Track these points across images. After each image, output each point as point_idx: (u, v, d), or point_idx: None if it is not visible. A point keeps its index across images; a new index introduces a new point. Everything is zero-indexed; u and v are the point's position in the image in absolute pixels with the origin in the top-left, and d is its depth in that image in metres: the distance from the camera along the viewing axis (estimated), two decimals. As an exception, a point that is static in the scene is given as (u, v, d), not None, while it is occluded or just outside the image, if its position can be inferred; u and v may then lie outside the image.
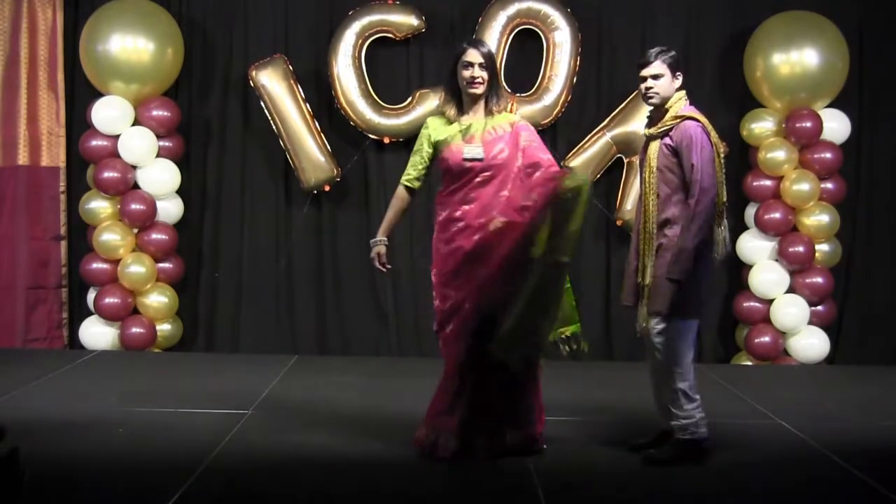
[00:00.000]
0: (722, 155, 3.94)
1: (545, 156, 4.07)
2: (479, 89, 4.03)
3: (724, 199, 3.93)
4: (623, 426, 4.49)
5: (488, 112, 4.07)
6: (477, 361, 3.91)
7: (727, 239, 3.97)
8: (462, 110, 4.10)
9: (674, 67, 3.97)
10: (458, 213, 4.00)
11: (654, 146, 3.99)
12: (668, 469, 3.92)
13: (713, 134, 3.92)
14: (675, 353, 3.93)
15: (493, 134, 4.03)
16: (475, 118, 4.08)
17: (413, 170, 4.16)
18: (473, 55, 4.02)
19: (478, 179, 4.00)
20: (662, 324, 3.93)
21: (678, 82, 4.00)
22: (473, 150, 4.00)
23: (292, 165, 6.47)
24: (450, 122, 4.10)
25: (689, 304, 3.90)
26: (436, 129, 4.11)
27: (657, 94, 3.98)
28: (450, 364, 4.02)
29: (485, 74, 4.02)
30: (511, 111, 4.20)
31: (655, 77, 3.97)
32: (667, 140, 3.94)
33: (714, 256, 3.96)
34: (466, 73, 4.02)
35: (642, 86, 4.01)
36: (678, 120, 3.92)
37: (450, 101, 4.11)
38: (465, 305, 3.93)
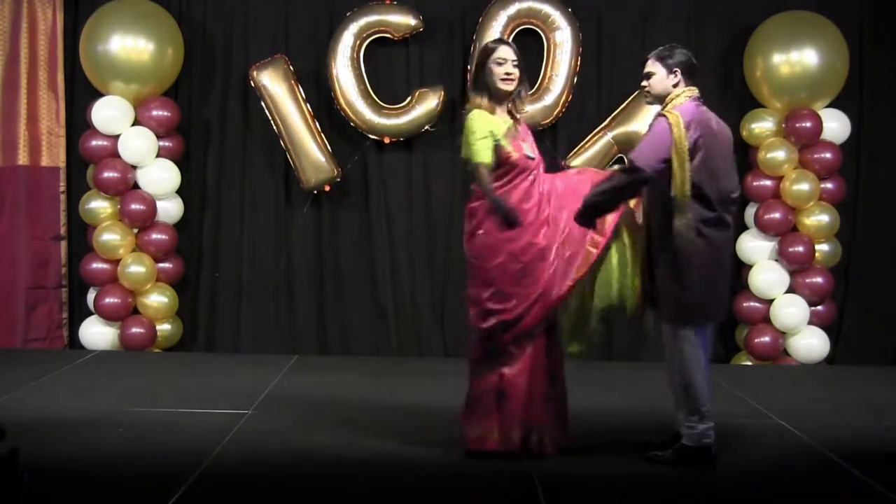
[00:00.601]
0: (687, 156, 3.76)
1: None
2: (513, 86, 4.02)
3: (687, 193, 3.77)
4: (623, 426, 4.49)
5: (510, 111, 4.07)
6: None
7: (691, 231, 3.78)
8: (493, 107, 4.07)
9: (670, 65, 3.92)
10: (519, 210, 3.96)
11: None
12: (668, 469, 3.92)
13: (676, 129, 3.76)
14: (679, 361, 3.90)
15: (527, 133, 4.07)
16: (504, 116, 4.06)
17: (492, 155, 3.94)
18: (507, 52, 4.02)
19: (531, 177, 4.00)
20: (668, 330, 3.92)
21: (674, 79, 3.93)
22: (527, 147, 4.02)
23: (292, 165, 6.47)
24: (491, 114, 4.03)
25: (686, 311, 3.87)
26: (492, 123, 3.98)
27: (649, 92, 4.00)
28: (526, 361, 3.97)
29: (517, 72, 4.03)
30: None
31: (648, 76, 3.98)
32: None
33: (718, 260, 3.89)
34: (501, 70, 3.99)
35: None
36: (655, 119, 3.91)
37: (483, 97, 4.03)
38: (535, 307, 3.93)
